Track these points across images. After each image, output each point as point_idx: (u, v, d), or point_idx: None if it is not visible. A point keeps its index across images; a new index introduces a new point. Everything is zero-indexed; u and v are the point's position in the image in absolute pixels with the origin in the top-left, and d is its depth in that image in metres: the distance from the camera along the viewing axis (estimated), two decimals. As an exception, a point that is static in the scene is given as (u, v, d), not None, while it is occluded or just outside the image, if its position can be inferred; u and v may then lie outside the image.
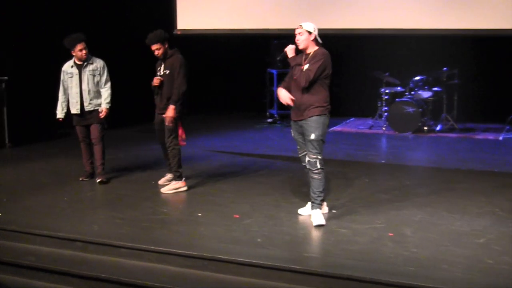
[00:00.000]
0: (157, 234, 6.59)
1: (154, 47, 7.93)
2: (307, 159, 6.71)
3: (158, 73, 8.05)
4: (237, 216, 6.99)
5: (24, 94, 11.59)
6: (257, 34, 13.23)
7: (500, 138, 11.40)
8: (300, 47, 6.77)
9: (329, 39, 13.05)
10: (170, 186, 8.02)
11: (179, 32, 13.65)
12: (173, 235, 6.59)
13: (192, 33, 13.65)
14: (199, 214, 7.01)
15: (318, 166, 6.63)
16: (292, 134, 6.95)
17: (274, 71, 13.48)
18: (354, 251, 5.93)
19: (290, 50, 6.85)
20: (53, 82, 11.55)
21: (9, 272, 6.16)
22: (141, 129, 12.42)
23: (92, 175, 8.89)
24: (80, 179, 8.84)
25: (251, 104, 14.35)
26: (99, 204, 7.61)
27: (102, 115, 8.61)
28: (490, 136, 11.56)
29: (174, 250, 6.08)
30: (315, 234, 6.42)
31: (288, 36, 13.10)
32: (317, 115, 6.63)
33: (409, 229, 6.54)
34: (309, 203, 6.90)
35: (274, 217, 6.95)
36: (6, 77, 10.79)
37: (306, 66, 6.65)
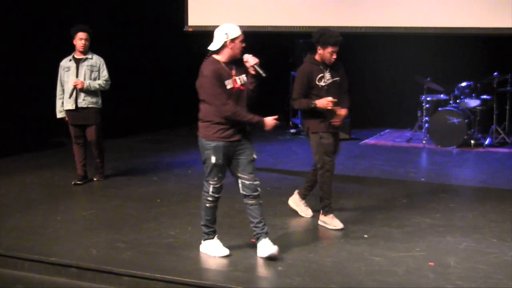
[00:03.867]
0: (164, 260, 6.60)
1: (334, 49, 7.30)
2: (247, 182, 6.63)
3: (322, 82, 7.29)
4: (254, 240, 6.99)
5: (13, 101, 11.69)
6: (280, 32, 13.25)
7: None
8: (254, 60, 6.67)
9: (360, 39, 13.21)
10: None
11: (190, 29, 13.70)
12: (182, 261, 6.59)
13: (205, 29, 13.68)
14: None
15: (259, 189, 6.69)
16: (224, 159, 6.58)
17: (298, 75, 13.49)
18: (389, 283, 5.92)
19: (255, 59, 6.69)
20: (44, 88, 11.69)
21: (-6, 301, 6.19)
22: (144, 139, 12.46)
23: (85, 178, 9.45)
24: (73, 182, 9.36)
25: (272, 112, 14.24)
26: (98, 225, 7.61)
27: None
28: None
29: (183, 279, 6.09)
30: (345, 262, 6.40)
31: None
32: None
33: (453, 258, 6.51)
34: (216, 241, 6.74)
35: (299, 243, 6.96)
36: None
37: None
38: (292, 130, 13.61)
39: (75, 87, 9.20)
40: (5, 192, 9.13)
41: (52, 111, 9.58)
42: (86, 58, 9.31)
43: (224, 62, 6.48)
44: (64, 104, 9.36)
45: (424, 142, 12.20)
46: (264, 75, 6.60)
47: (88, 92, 9.24)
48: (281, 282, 5.93)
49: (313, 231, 7.32)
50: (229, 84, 6.47)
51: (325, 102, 7.14)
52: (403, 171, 10.36)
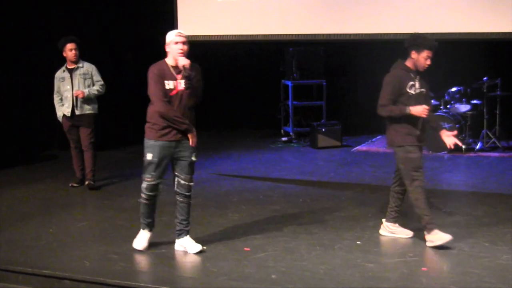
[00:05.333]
0: (158, 271, 6.62)
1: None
2: (182, 182, 6.86)
3: (413, 91, 6.99)
4: (248, 249, 7.00)
5: (5, 115, 11.69)
6: (270, 41, 13.29)
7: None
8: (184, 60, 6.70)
9: (349, 45, 13.24)
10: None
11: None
12: (176, 271, 6.61)
13: (194, 39, 13.70)
14: (205, 248, 7.01)
15: (192, 190, 6.95)
16: (159, 158, 6.77)
17: (289, 83, 13.52)
18: (383, 289, 5.94)
19: (185, 60, 6.68)
20: (39, 99, 11.69)
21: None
22: (134, 150, 12.43)
23: (82, 182, 9.87)
24: (70, 185, 9.84)
25: (264, 120, 14.38)
26: (91, 237, 7.62)
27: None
28: (539, 156, 11.56)
29: (177, 289, 6.11)
30: (339, 269, 6.41)
31: (306, 43, 13.28)
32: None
33: (446, 263, 6.55)
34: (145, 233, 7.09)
35: (292, 251, 6.96)
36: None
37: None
38: (284, 138, 13.60)
39: (76, 97, 9.57)
40: (-3, 205, 9.14)
41: (43, 124, 9.64)
42: (78, 67, 9.69)
43: (172, 65, 6.70)
44: (61, 111, 9.76)
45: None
46: (186, 74, 6.61)
47: (85, 100, 9.64)
48: (275, 290, 5.95)
49: (306, 238, 7.32)
50: (168, 85, 6.65)
51: (420, 109, 6.83)
52: (395, 177, 10.37)
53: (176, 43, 6.62)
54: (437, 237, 6.83)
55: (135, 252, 7.03)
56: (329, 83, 13.47)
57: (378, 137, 13.61)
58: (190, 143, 6.76)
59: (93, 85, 9.76)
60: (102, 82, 9.79)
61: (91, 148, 9.78)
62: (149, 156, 6.73)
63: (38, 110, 12.45)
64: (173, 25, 13.63)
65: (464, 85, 12.06)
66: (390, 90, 6.93)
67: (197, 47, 13.67)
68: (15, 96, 12.17)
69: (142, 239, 7.06)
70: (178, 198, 6.88)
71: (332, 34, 12.69)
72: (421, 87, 6.97)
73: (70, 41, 9.66)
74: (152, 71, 6.67)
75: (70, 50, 9.64)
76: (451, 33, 11.87)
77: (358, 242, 7.17)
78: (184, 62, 6.58)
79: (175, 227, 7.01)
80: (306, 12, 12.88)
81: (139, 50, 12.12)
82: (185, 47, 6.66)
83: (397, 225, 7.30)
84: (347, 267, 6.47)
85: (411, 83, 6.92)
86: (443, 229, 7.56)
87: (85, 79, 9.71)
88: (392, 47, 13.18)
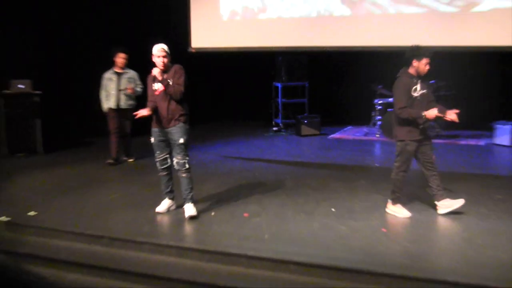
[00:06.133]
0: (176, 231, 6.65)
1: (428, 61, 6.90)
2: (175, 160, 6.99)
3: (416, 93, 6.82)
4: (247, 215, 7.03)
5: (55, 107, 11.68)
6: (264, 51, 13.28)
7: (482, 143, 11.41)
8: (166, 69, 6.94)
9: (329, 56, 13.25)
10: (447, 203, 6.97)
11: (193, 50, 13.69)
12: (190, 232, 6.64)
13: (205, 50, 13.69)
14: (213, 214, 7.05)
15: (187, 166, 6.97)
16: (157, 141, 7.08)
17: (279, 85, 13.54)
18: (352, 246, 5.97)
19: (158, 74, 6.87)
20: (81, 95, 11.68)
21: (44, 265, 6.19)
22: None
23: (117, 161, 10.12)
24: (107, 162, 10.04)
25: (259, 114, 14.39)
26: (123, 205, 7.63)
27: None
28: (473, 142, 11.55)
29: (191, 246, 6.14)
30: (318, 231, 6.45)
31: (292, 53, 13.27)
32: (182, 123, 6.98)
33: (401, 225, 6.58)
34: (165, 200, 7.29)
35: (281, 216, 6.99)
36: (40, 92, 10.88)
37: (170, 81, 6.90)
38: (275, 128, 13.60)
39: (119, 94, 9.92)
40: (49, 181, 9.13)
41: (84, 116, 9.66)
42: (125, 72, 10.02)
43: (160, 71, 6.88)
44: (107, 105, 10.01)
45: (377, 135, 12.26)
46: (159, 80, 6.85)
47: (127, 97, 9.96)
48: (268, 247, 5.96)
49: (292, 207, 7.35)
50: (154, 87, 6.99)
51: (433, 114, 6.64)
52: (362, 159, 10.40)
53: (159, 57, 6.86)
54: (400, 211, 6.93)
55: (158, 217, 7.07)
56: (311, 85, 13.47)
57: (348, 127, 13.63)
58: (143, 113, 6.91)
59: (136, 87, 10.00)
60: (142, 85, 9.88)
61: (128, 134, 10.16)
62: (151, 140, 7.09)
63: (79, 105, 12.46)
64: (187, 40, 13.64)
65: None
66: (404, 94, 6.75)
67: (205, 56, 13.72)
68: (61, 94, 12.16)
69: (162, 204, 7.26)
70: (179, 174, 7.02)
71: (313, 46, 12.67)
72: (422, 89, 6.82)
73: (122, 51, 9.95)
74: (148, 80, 7.10)
75: (120, 58, 9.93)
76: (406, 46, 11.83)
77: (333, 209, 7.20)
78: (155, 72, 6.83)
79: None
80: (292, 29, 12.87)
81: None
82: (165, 60, 6.88)
83: (447, 199, 6.94)
84: (324, 229, 6.51)
85: (414, 87, 6.79)
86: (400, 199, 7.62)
87: (129, 82, 9.95)
88: (359, 57, 13.25)
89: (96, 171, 9.72)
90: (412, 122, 6.75)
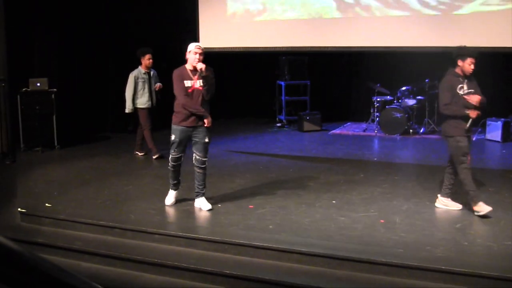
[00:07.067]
0: (185, 222, 6.63)
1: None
2: (196, 157, 6.83)
3: (462, 92, 6.57)
4: (252, 206, 7.02)
5: (70, 103, 11.67)
6: (268, 51, 13.24)
7: (474, 139, 11.35)
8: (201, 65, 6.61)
9: (327, 55, 13.20)
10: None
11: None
12: (198, 223, 6.63)
13: (214, 50, 13.64)
14: (219, 205, 7.03)
15: (206, 164, 6.90)
16: (180, 139, 6.80)
17: (282, 83, 13.49)
18: (352, 236, 5.96)
19: (202, 64, 6.60)
20: (96, 93, 11.65)
21: (60, 254, 6.20)
22: (167, 132, 12.42)
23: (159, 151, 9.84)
24: (154, 157, 9.81)
25: (263, 111, 14.35)
26: (135, 197, 7.62)
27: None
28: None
29: (199, 236, 6.14)
30: (319, 221, 6.43)
31: (295, 53, 13.23)
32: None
33: (398, 216, 6.55)
34: (172, 192, 7.16)
35: (284, 207, 6.97)
36: (55, 89, 10.86)
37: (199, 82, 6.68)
38: (278, 124, 13.55)
39: (155, 89, 9.82)
40: (65, 173, 9.13)
41: (99, 112, 9.60)
42: (152, 72, 9.88)
43: (189, 69, 6.68)
44: (139, 104, 9.76)
45: (375, 131, 12.21)
46: (202, 75, 6.61)
47: (156, 95, 9.87)
48: (272, 237, 5.95)
49: (294, 198, 7.32)
50: (187, 84, 6.66)
51: (477, 99, 6.47)
52: (360, 153, 10.38)
53: (195, 53, 6.59)
54: (482, 208, 6.43)
55: (167, 208, 7.05)
56: (312, 83, 13.43)
57: (348, 123, 13.57)
58: (206, 124, 6.73)
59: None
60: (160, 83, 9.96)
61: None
62: (173, 137, 6.81)
63: (96, 102, 12.46)
64: (195, 41, 13.57)
65: (412, 85, 12.04)
66: (447, 92, 6.55)
67: (213, 56, 13.68)
68: (79, 89, 12.15)
69: (170, 196, 7.14)
70: (196, 169, 6.87)
71: (314, 46, 12.61)
72: (469, 88, 6.56)
73: (149, 52, 9.75)
74: (175, 74, 6.72)
75: (148, 59, 9.72)
76: (403, 47, 11.82)
77: (333, 201, 7.18)
78: (201, 66, 6.55)
79: (194, 190, 7.03)
80: (294, 31, 12.82)
81: (172, 60, 12.02)
82: (201, 57, 6.60)
83: (449, 199, 6.85)
84: (325, 219, 6.49)
85: (460, 85, 6.55)
86: (396, 190, 7.62)
87: (156, 81, 9.88)
88: (358, 57, 13.21)
89: (109, 164, 9.70)
90: (458, 118, 6.55)
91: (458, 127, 6.55)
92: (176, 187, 7.15)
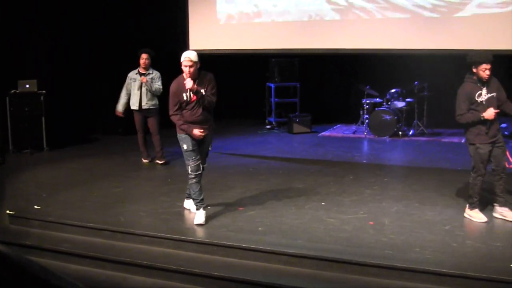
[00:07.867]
0: (174, 224, 6.60)
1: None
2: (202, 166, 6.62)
3: (481, 98, 6.37)
4: (241, 208, 7.01)
5: (60, 105, 11.62)
6: (258, 53, 13.24)
7: (463, 141, 11.38)
8: (192, 77, 6.37)
9: (317, 57, 13.22)
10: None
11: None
12: (187, 225, 6.60)
13: (203, 52, 13.61)
14: (209, 207, 7.00)
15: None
16: (192, 146, 6.48)
17: (272, 85, 13.50)
18: (341, 238, 5.96)
19: (192, 86, 6.34)
20: (86, 95, 11.60)
21: (48, 257, 6.17)
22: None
23: (150, 156, 9.76)
24: (146, 161, 9.73)
25: (253, 112, 14.35)
26: (124, 199, 7.59)
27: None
28: (455, 139, 11.54)
29: (188, 238, 6.12)
30: (308, 223, 6.43)
31: (285, 55, 13.24)
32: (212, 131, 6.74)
33: (387, 218, 6.56)
34: (202, 211, 6.56)
35: (273, 209, 6.96)
36: (44, 91, 10.82)
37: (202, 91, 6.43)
38: (268, 126, 13.56)
39: (141, 95, 9.39)
40: (54, 175, 9.09)
41: (89, 114, 9.53)
42: (148, 73, 9.48)
43: (192, 82, 6.37)
44: (130, 105, 9.55)
45: (365, 133, 12.24)
46: (193, 92, 6.39)
47: (150, 98, 9.43)
48: (261, 239, 5.94)
49: (284, 200, 7.31)
50: (186, 97, 6.41)
51: (491, 113, 6.28)
52: (350, 155, 10.38)
53: (185, 66, 6.33)
54: (477, 215, 6.46)
55: (158, 210, 7.03)
56: (302, 85, 13.43)
57: (337, 125, 13.59)
58: (202, 132, 6.48)
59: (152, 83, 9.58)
60: (160, 87, 9.43)
61: (158, 133, 9.52)
62: (185, 147, 6.47)
63: (85, 104, 12.41)
64: (185, 43, 13.55)
65: (401, 87, 12.09)
66: (463, 101, 6.38)
67: (203, 57, 13.64)
68: (67, 91, 12.11)
69: (200, 216, 6.50)
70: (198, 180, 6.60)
71: (304, 49, 12.61)
72: (489, 93, 6.35)
73: (144, 52, 9.49)
74: (171, 88, 6.45)
75: (142, 59, 9.44)
76: (392, 49, 11.84)
77: (322, 203, 7.18)
78: (189, 85, 6.30)
79: (185, 191, 7.02)
80: (285, 33, 12.82)
81: (166, 63, 12.01)
82: (191, 69, 6.31)
83: (506, 208, 6.51)
84: (314, 221, 6.49)
85: (479, 92, 6.34)
86: (385, 192, 7.63)
87: (151, 82, 9.41)
88: (348, 59, 13.24)
89: (99, 166, 9.65)
90: (477, 124, 6.39)
91: (480, 134, 6.39)
92: (204, 203, 6.60)
